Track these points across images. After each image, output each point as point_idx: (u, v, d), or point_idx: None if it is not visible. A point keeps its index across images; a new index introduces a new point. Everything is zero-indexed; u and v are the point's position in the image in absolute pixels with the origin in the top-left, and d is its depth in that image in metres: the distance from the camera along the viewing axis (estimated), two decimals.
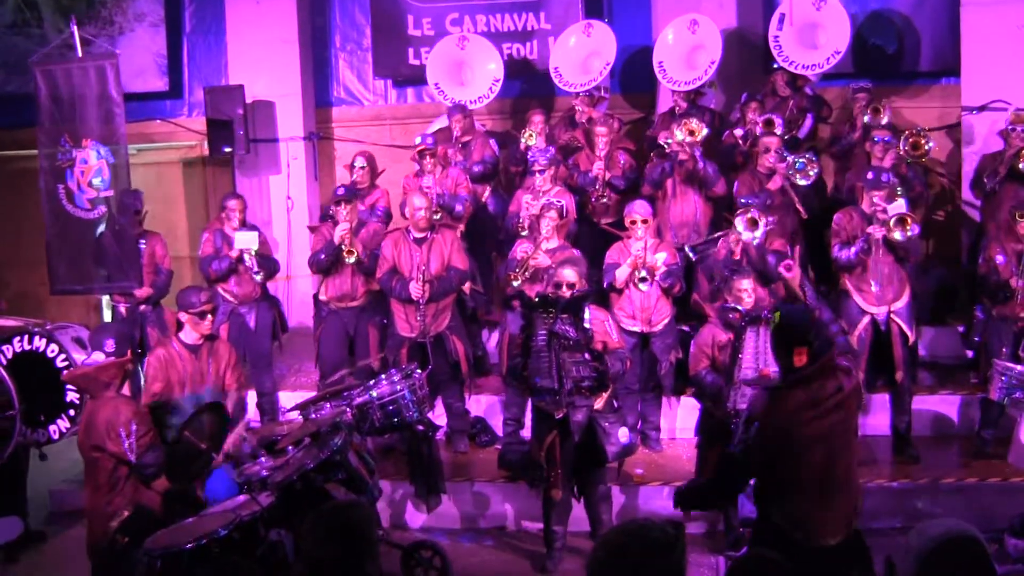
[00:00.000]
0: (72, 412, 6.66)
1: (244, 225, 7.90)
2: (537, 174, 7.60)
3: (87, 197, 7.44)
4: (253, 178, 9.90)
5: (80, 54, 7.81)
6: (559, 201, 7.39)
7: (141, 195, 8.22)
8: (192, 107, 10.27)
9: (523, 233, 7.27)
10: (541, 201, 7.32)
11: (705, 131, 7.48)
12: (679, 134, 7.41)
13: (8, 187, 10.58)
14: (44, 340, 6.75)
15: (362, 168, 8.32)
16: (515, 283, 6.94)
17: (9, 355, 6.78)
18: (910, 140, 7.41)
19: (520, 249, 7.07)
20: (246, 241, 7.67)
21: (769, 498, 4.05)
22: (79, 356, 6.56)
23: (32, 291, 10.56)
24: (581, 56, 8.90)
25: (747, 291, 6.01)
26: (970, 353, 7.30)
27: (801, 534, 3.93)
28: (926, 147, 7.44)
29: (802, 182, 7.36)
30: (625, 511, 6.50)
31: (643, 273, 6.78)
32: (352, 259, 7.25)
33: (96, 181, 7.42)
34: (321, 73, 10.36)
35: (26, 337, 6.76)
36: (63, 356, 6.70)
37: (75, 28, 7.78)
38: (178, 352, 6.01)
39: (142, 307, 7.94)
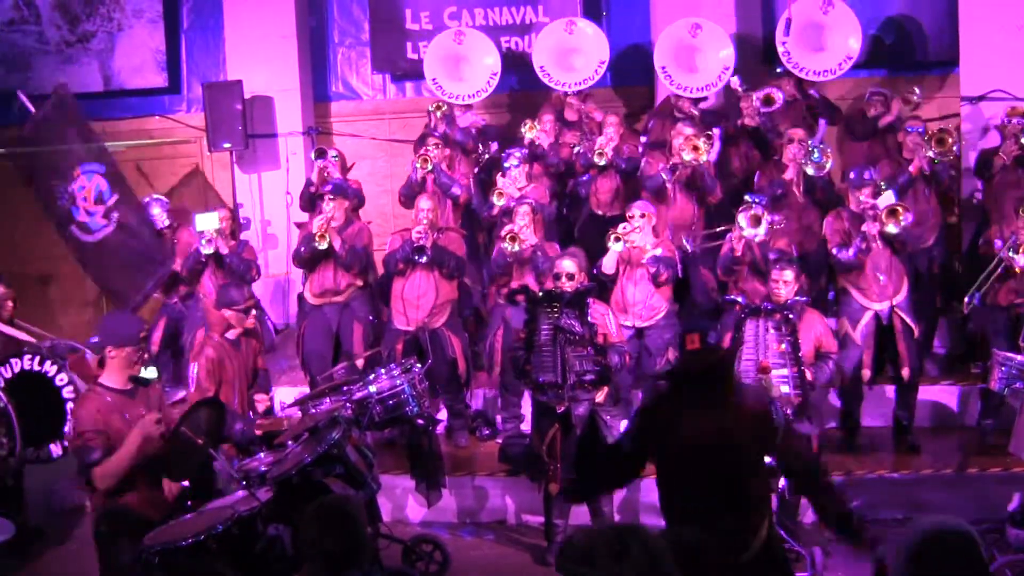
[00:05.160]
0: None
1: (234, 237, 7.79)
2: (512, 169, 7.65)
3: (99, 215, 7.43)
4: (252, 173, 9.88)
5: (33, 110, 7.81)
6: (531, 200, 7.37)
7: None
8: (191, 103, 10.24)
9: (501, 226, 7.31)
10: (512, 193, 7.44)
11: (709, 144, 7.47)
12: (687, 155, 7.33)
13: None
14: (54, 366, 6.63)
15: (334, 157, 8.32)
16: (505, 246, 6.96)
17: (16, 369, 6.65)
18: (935, 138, 7.38)
19: (504, 229, 7.11)
20: (206, 222, 7.44)
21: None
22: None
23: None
24: (564, 54, 8.87)
25: (788, 282, 5.96)
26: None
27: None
28: (952, 144, 7.39)
29: (810, 170, 7.36)
30: (626, 504, 6.49)
31: (616, 235, 6.77)
32: (324, 244, 7.15)
33: (99, 196, 7.41)
34: (319, 68, 10.32)
35: (37, 358, 6.67)
36: (70, 387, 6.55)
37: (24, 97, 7.92)
38: (226, 351, 6.00)
39: (187, 301, 7.93)
